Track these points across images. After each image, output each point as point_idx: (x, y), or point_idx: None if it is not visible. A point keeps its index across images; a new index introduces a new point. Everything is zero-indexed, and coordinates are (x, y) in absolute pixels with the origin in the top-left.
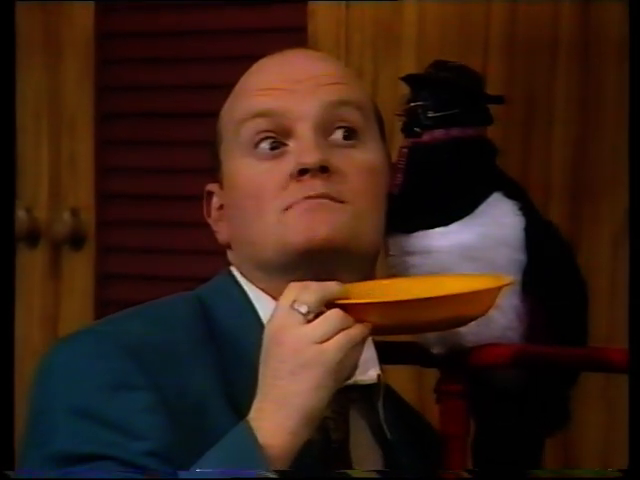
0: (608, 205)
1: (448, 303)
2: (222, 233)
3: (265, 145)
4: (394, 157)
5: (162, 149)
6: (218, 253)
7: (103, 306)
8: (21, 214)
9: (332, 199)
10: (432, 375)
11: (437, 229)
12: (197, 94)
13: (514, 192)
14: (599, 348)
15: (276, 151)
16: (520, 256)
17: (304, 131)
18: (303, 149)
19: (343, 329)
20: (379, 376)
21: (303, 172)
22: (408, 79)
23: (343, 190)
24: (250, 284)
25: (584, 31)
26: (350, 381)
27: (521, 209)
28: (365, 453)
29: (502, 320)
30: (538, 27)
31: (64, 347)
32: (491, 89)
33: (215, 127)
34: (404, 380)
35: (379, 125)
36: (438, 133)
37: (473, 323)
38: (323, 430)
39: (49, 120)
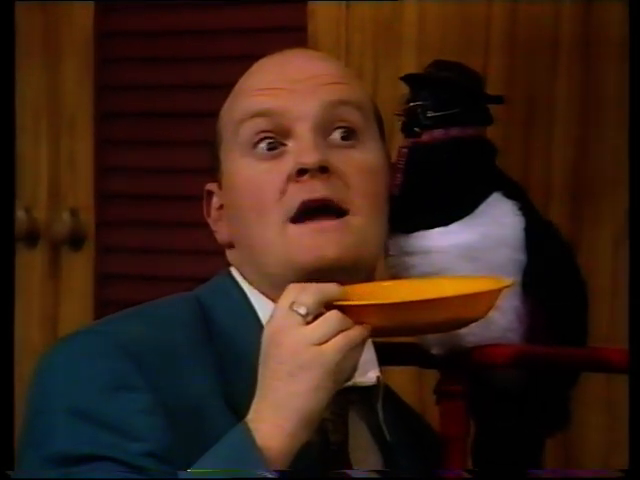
0: (609, 205)
1: (447, 305)
2: (221, 233)
3: (264, 145)
4: (394, 157)
5: (162, 149)
6: (218, 253)
7: (103, 306)
8: (20, 214)
9: (333, 204)
10: (432, 376)
11: (437, 229)
12: (197, 94)
13: (514, 192)
14: (599, 348)
15: (275, 151)
16: (520, 256)
17: (303, 131)
18: (302, 149)
19: (342, 331)
20: (378, 377)
21: (302, 172)
22: (408, 79)
23: (344, 193)
24: (249, 285)
25: (585, 31)
26: (349, 383)
27: (521, 209)
28: (364, 455)
29: (502, 321)
30: (539, 27)
31: (62, 347)
32: (491, 89)
33: (215, 127)
34: (404, 381)
35: (379, 125)
36: (438, 133)
37: (473, 324)
38: (322, 432)
39: (48, 120)
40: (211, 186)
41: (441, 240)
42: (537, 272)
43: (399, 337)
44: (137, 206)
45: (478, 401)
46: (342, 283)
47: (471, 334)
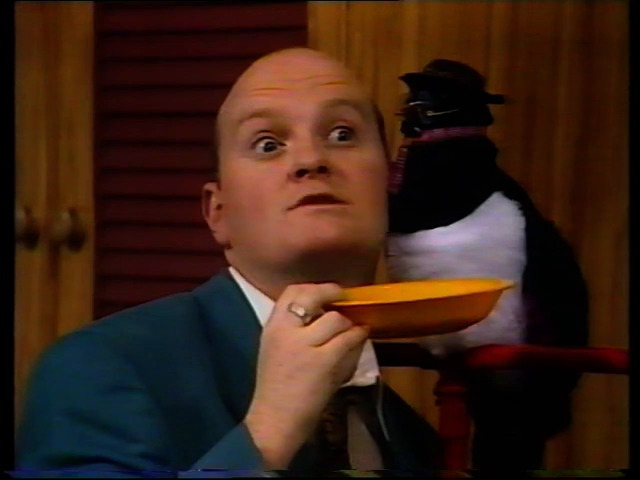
0: (610, 205)
1: (447, 306)
2: (220, 233)
3: (263, 145)
4: (394, 157)
5: (161, 149)
6: (217, 254)
7: (102, 307)
8: (19, 214)
9: (333, 199)
10: (432, 376)
11: (437, 229)
12: (196, 94)
13: (514, 192)
14: (599, 349)
15: (274, 151)
16: (520, 256)
17: (302, 131)
18: (301, 149)
19: (341, 332)
20: (378, 378)
21: (301, 173)
22: (408, 78)
23: (343, 190)
24: (248, 285)
25: (586, 31)
26: (348, 383)
27: (521, 209)
28: (364, 455)
29: (502, 321)
30: (540, 26)
31: (59, 349)
32: (492, 89)
33: (213, 127)
34: (404, 381)
35: (379, 125)
36: (438, 133)
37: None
38: (321, 432)
39: (47, 119)
40: (210, 186)
41: (441, 240)
42: (538, 272)
43: (399, 338)
44: (137, 206)
45: (478, 402)
46: (340, 276)
47: (471, 334)
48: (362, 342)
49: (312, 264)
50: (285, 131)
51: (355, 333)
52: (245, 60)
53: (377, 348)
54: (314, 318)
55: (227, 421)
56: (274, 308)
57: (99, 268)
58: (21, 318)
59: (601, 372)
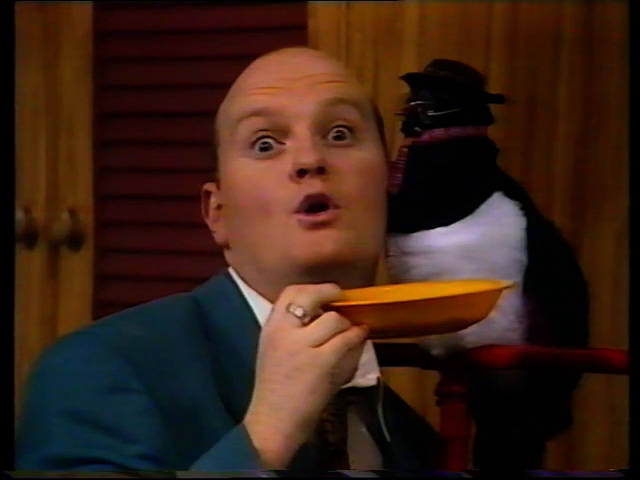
0: (610, 205)
1: (446, 305)
2: (220, 233)
3: (262, 144)
4: (394, 157)
5: (161, 149)
6: (216, 254)
7: (101, 307)
8: (19, 214)
9: (331, 203)
10: (432, 377)
11: (437, 229)
12: (196, 93)
13: (515, 192)
14: (599, 349)
15: (273, 150)
16: (521, 256)
17: (301, 130)
18: (300, 149)
19: (339, 332)
20: (378, 379)
21: (302, 173)
22: (408, 78)
23: (341, 190)
24: (247, 286)
25: (586, 30)
26: (349, 384)
27: (522, 209)
28: (363, 456)
29: (502, 321)
30: (540, 26)
31: (58, 349)
32: (493, 88)
33: (212, 126)
34: (404, 382)
35: (378, 125)
36: (438, 132)
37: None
38: (320, 433)
39: (47, 119)
40: (209, 186)
41: (442, 240)
42: (538, 272)
43: (398, 339)
44: (136, 206)
45: (479, 402)
46: (340, 281)
47: (471, 334)
48: (361, 342)
49: (312, 275)
50: (284, 130)
51: (354, 333)
52: (245, 60)
53: (377, 348)
54: (313, 318)
55: (226, 421)
56: (273, 309)
57: (99, 268)
58: (21, 318)
59: (601, 372)
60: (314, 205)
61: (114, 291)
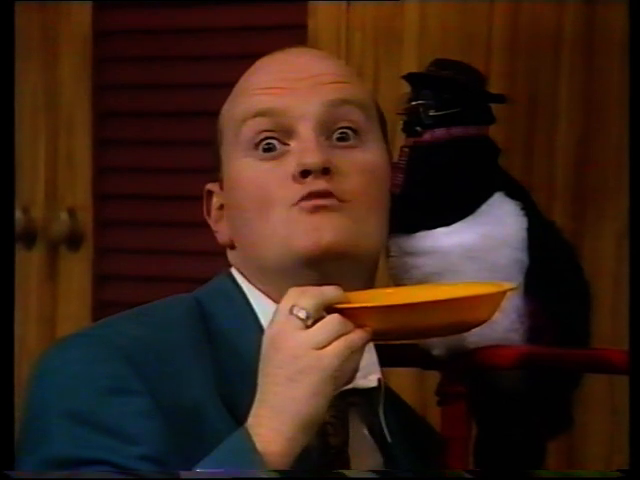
0: (611, 205)
1: (450, 308)
2: (222, 233)
3: (266, 145)
4: (396, 157)
5: (160, 148)
6: (217, 254)
7: (101, 307)
8: (18, 214)
9: (335, 197)
10: (433, 377)
11: (439, 229)
12: (196, 93)
13: (516, 192)
14: (601, 349)
15: (277, 151)
16: (522, 256)
17: (305, 131)
18: (305, 149)
19: (342, 334)
20: (380, 380)
21: (305, 174)
22: (409, 77)
23: (346, 190)
24: (250, 286)
25: (587, 30)
26: (350, 385)
27: (523, 209)
28: (365, 458)
29: (504, 321)
30: (541, 26)
31: (58, 351)
32: (493, 89)
33: (215, 126)
34: (405, 382)
35: (381, 125)
36: (439, 132)
37: None
38: (322, 435)
39: (46, 119)
40: (211, 186)
41: (443, 240)
42: (540, 272)
43: (401, 340)
44: (135, 206)
45: (480, 402)
46: (340, 279)
47: (473, 335)
48: (364, 345)
49: (312, 266)
50: (288, 131)
51: (357, 336)
52: (245, 59)
53: (378, 349)
54: (316, 320)
55: (227, 423)
56: (276, 311)
57: (98, 268)
58: (19, 318)
59: (603, 373)
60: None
61: (113, 291)
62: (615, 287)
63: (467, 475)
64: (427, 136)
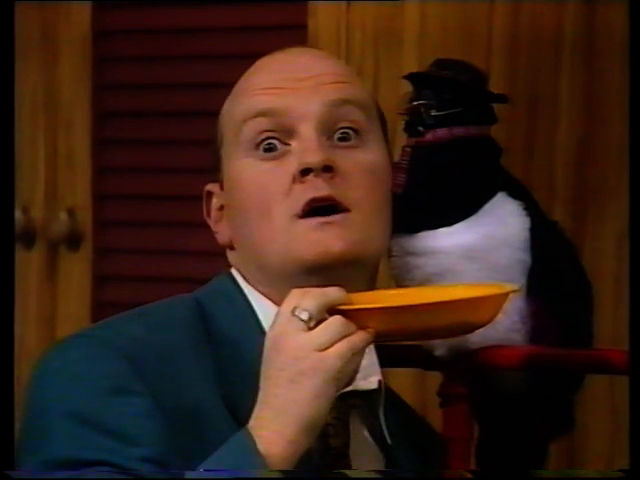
0: (612, 205)
1: (453, 309)
2: (222, 234)
3: (267, 145)
4: (396, 157)
5: (160, 148)
6: (217, 254)
7: (100, 307)
8: (17, 214)
9: (337, 206)
10: (433, 378)
11: (441, 229)
12: (195, 93)
13: (518, 192)
14: (603, 350)
15: (278, 151)
16: (524, 257)
17: (307, 131)
18: (306, 149)
19: (345, 336)
20: (380, 381)
21: (306, 172)
22: (411, 77)
23: (348, 192)
24: (250, 287)
25: (588, 30)
26: (350, 387)
27: (526, 209)
28: (366, 459)
29: (506, 322)
30: (541, 26)
31: (59, 352)
32: (494, 89)
33: (215, 127)
34: (405, 383)
35: (382, 125)
36: (441, 132)
37: None
38: (323, 437)
39: (46, 118)
40: (211, 187)
41: (445, 240)
42: (542, 273)
43: (403, 342)
44: (135, 206)
45: (482, 403)
46: (343, 283)
47: (475, 335)
48: (366, 346)
49: (317, 275)
50: (290, 131)
51: (359, 337)
52: (244, 59)
53: (379, 350)
54: (318, 322)
55: (228, 423)
56: (278, 312)
57: (97, 268)
58: (19, 319)
59: (604, 373)
60: (321, 208)
61: (113, 291)
62: (616, 287)
63: (469, 476)
64: (429, 136)
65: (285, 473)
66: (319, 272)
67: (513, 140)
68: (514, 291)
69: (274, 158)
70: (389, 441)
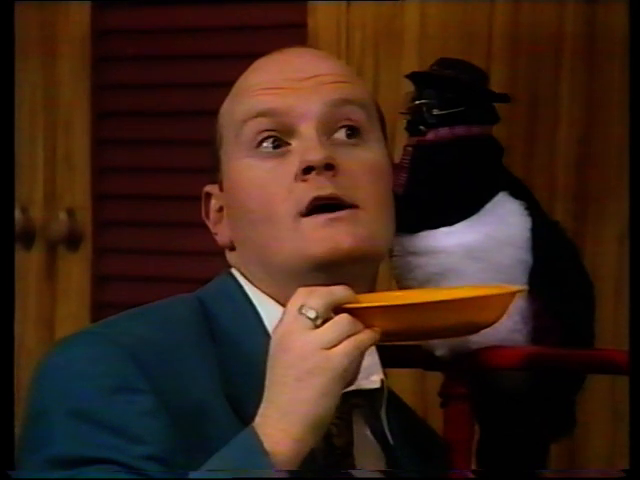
0: (613, 205)
1: (459, 308)
2: (222, 235)
3: (268, 145)
4: (397, 156)
5: (159, 148)
6: (217, 254)
7: (100, 308)
8: (16, 214)
9: (342, 203)
10: (434, 378)
11: (442, 229)
12: (195, 92)
13: (520, 192)
14: (604, 350)
15: (279, 150)
16: (526, 256)
17: (308, 130)
18: (307, 147)
19: (352, 334)
20: (382, 381)
21: (308, 170)
22: (413, 77)
23: (351, 190)
24: (252, 287)
25: (588, 30)
26: (353, 387)
27: (527, 209)
28: (368, 459)
29: (507, 322)
30: (542, 26)
31: (62, 350)
32: (494, 88)
33: (214, 127)
34: (406, 383)
35: (381, 124)
36: (443, 132)
37: None
38: (326, 436)
39: (45, 119)
40: (209, 188)
41: (446, 240)
42: (543, 272)
43: (409, 341)
44: (134, 206)
45: (483, 403)
46: (351, 278)
47: (475, 335)
48: (372, 345)
49: (325, 272)
50: (290, 130)
51: (366, 336)
52: (244, 58)
53: (380, 350)
54: (325, 321)
55: (233, 422)
56: (284, 311)
57: (97, 268)
58: (18, 318)
59: (605, 373)
60: (325, 205)
61: (112, 291)
62: (616, 287)
63: (470, 476)
64: (431, 135)
65: (289, 473)
66: (327, 269)
67: (514, 140)
68: (520, 291)
69: (275, 157)
70: (391, 441)
